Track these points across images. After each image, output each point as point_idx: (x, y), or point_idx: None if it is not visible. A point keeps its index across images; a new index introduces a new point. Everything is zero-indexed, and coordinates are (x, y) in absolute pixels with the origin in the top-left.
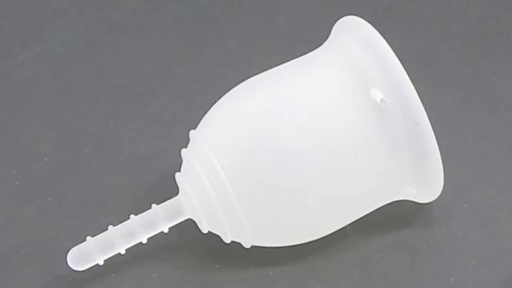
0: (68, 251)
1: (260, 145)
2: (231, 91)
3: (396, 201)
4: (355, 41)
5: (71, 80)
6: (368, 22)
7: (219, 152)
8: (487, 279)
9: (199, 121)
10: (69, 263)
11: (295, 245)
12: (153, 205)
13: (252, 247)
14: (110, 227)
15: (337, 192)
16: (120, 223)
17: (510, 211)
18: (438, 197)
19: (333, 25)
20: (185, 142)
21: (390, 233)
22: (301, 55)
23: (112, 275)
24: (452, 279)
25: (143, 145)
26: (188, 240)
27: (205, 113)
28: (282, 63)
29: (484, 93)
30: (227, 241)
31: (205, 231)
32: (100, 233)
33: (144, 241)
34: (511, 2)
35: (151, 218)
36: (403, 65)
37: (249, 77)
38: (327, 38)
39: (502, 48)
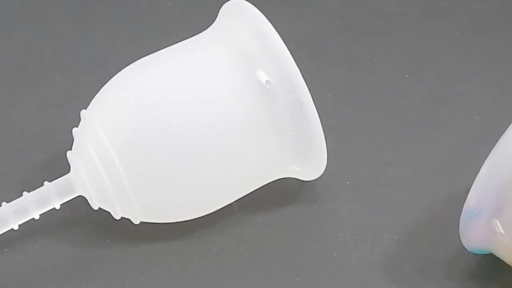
0: None
1: (149, 125)
2: (121, 72)
3: (281, 179)
4: (241, 23)
5: None
6: (254, 5)
7: (109, 132)
8: (368, 253)
9: (90, 101)
10: None
11: (183, 221)
12: (45, 183)
13: (141, 223)
14: (3, 203)
15: (223, 170)
16: (13, 200)
17: (390, 188)
18: (322, 175)
19: (220, 8)
20: (77, 122)
21: (275, 209)
22: (189, 37)
23: (6, 250)
24: (334, 254)
25: (35, 124)
26: (79, 216)
27: (96, 93)
28: (171, 45)
29: (366, 74)
30: (117, 217)
31: (95, 207)
32: None
33: (37, 217)
34: None
35: (43, 195)
36: (288, 47)
37: (139, 58)
38: (214, 20)
39: (383, 30)
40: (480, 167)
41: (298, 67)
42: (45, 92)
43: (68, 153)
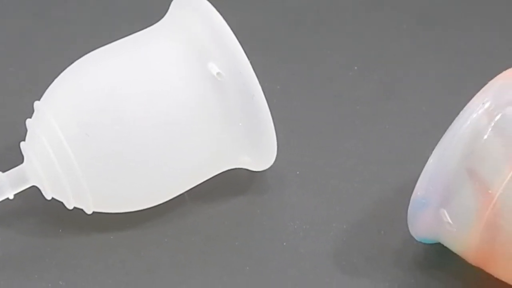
0: None
1: (102, 117)
2: (73, 64)
3: (232, 169)
4: (193, 16)
5: None
6: None
7: (62, 123)
8: (317, 243)
9: (44, 93)
10: None
11: (136, 211)
12: None
13: (94, 213)
14: None
15: (175, 161)
16: None
17: (340, 179)
18: (272, 165)
19: (172, 0)
20: (30, 113)
21: (226, 199)
22: (141, 29)
23: None
24: (284, 243)
25: None
26: (33, 206)
27: (50, 84)
28: (124, 37)
29: (316, 66)
30: (70, 207)
31: (48, 197)
32: None
33: None
34: None
35: None
36: (238, 39)
37: (92, 50)
38: (166, 13)
39: (333, 23)
40: (428, 158)
41: (249, 59)
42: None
43: (22, 143)
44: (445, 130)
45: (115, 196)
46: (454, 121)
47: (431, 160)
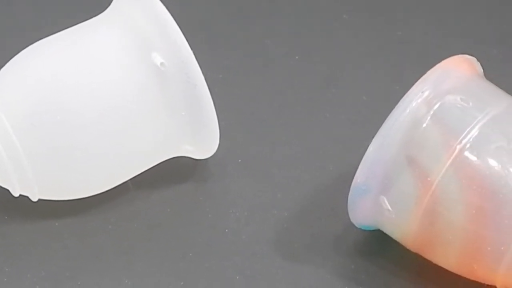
0: None
1: (46, 107)
2: (19, 54)
3: (175, 157)
4: (136, 6)
5: None
6: None
7: (8, 112)
8: (259, 229)
9: None
10: None
11: (80, 198)
12: None
13: (40, 200)
14: None
15: (119, 149)
16: None
17: (281, 166)
18: (214, 154)
19: None
20: None
21: (169, 187)
22: (85, 20)
23: None
24: (226, 230)
25: None
26: None
27: None
28: (68, 27)
29: (258, 55)
30: (16, 194)
31: None
32: None
33: None
34: None
35: None
36: (181, 29)
37: (37, 40)
38: (110, 3)
39: (274, 13)
40: (368, 146)
41: (192, 49)
42: None
43: None
44: (385, 119)
45: (60, 184)
46: (394, 110)
47: (371, 148)
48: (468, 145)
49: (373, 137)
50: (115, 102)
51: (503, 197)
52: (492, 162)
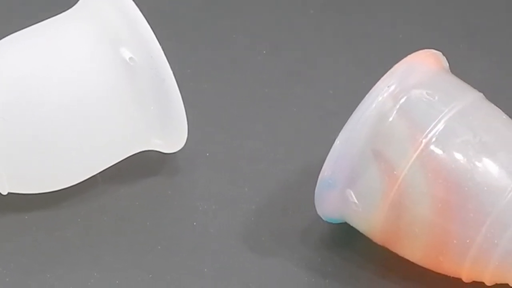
0: None
1: (17, 102)
2: None
3: (144, 151)
4: (106, 1)
5: None
6: None
7: None
8: (227, 223)
9: None
10: None
11: (50, 192)
12: None
13: (9, 193)
14: None
15: (88, 143)
16: None
17: (248, 160)
18: (182, 148)
19: None
20: None
21: (138, 180)
22: (55, 15)
23: None
24: (195, 223)
25: None
26: None
27: None
28: (37, 23)
29: (226, 50)
30: None
31: None
32: None
33: None
34: None
35: None
36: (150, 25)
37: (5, 36)
38: None
39: (241, 8)
40: (335, 139)
41: (160, 44)
42: None
43: None
44: (352, 113)
45: (30, 178)
46: (360, 104)
47: (337, 142)
48: (434, 139)
49: (339, 131)
50: (84, 96)
51: (468, 191)
52: (458, 156)
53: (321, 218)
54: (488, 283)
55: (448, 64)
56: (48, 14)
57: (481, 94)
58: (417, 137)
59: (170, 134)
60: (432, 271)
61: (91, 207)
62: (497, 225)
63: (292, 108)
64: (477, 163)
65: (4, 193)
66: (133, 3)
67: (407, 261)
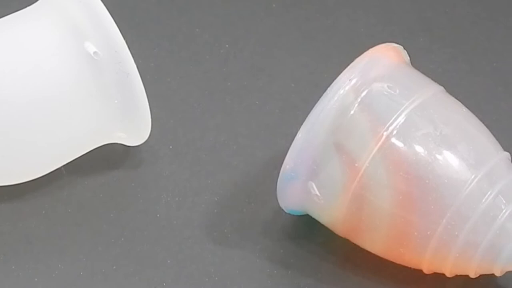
0: None
1: None
2: None
3: (108, 144)
4: None
5: None
6: None
7: None
8: (189, 214)
9: None
10: None
11: (14, 184)
12: None
13: None
14: None
15: (53, 136)
16: None
17: (211, 152)
18: (146, 140)
19: None
20: None
21: (102, 173)
22: (19, 10)
23: None
24: (158, 215)
25: None
26: None
27: None
28: (1, 17)
29: (189, 44)
30: None
31: None
32: None
33: None
34: None
35: None
36: (114, 19)
37: None
38: None
39: (203, 2)
40: (297, 132)
41: (124, 38)
42: None
43: None
44: (313, 106)
45: None
46: (322, 97)
47: (299, 135)
48: (395, 132)
49: (301, 124)
50: (48, 90)
51: (429, 183)
52: (419, 149)
53: (283, 210)
54: (448, 275)
55: (409, 58)
56: (10, 10)
57: (442, 88)
58: (378, 130)
59: (134, 127)
60: (393, 263)
61: (56, 199)
62: (458, 217)
63: (255, 101)
64: (437, 156)
65: None
66: None
67: (369, 252)
